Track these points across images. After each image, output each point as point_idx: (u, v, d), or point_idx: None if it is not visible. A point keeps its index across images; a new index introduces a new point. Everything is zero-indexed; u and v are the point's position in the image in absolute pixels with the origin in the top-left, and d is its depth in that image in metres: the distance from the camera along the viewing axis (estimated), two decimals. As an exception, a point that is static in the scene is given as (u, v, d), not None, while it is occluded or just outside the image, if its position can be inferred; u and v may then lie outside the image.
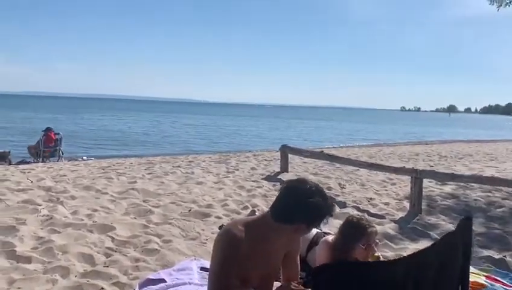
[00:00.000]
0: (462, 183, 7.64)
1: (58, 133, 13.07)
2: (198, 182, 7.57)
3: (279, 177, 8.46)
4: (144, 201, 6.00)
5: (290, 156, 9.24)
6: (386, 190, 7.62)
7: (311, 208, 2.09)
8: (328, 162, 9.63)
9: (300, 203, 2.09)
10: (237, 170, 9.34)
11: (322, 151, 9.37)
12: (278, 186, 7.02)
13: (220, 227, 4.20)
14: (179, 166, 9.61)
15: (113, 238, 4.40)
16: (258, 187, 7.40)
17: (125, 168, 9.17)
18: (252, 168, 9.60)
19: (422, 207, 6.11)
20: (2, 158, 11.88)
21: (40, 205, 5.47)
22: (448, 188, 7.74)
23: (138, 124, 38.63)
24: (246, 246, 2.13)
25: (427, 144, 24.85)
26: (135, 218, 5.19)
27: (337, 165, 9.72)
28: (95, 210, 5.36)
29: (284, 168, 8.95)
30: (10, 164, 11.30)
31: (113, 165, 9.60)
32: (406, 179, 7.33)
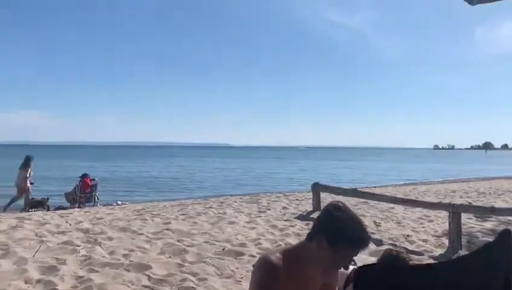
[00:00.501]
0: (503, 219, 7.36)
1: (94, 179, 13.47)
2: (230, 222, 7.60)
3: (311, 216, 8.38)
4: (178, 241, 6.06)
5: (322, 195, 9.18)
6: (423, 227, 7.41)
7: (332, 219, 2.06)
8: (362, 200, 9.50)
9: (324, 215, 2.09)
10: (269, 209, 9.32)
11: (355, 189, 9.25)
12: (311, 225, 6.97)
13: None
14: (210, 207, 9.68)
15: (149, 277, 4.45)
16: (291, 226, 7.35)
17: (159, 210, 9.32)
18: (284, 208, 9.56)
19: (462, 243, 5.90)
20: (41, 204, 12.28)
21: (78, 246, 5.62)
22: (489, 224, 7.45)
23: (170, 169, 39.35)
24: (283, 274, 2.12)
25: (463, 181, 24.08)
26: (170, 257, 5.24)
27: (371, 203, 9.56)
28: (132, 250, 5.45)
29: (317, 207, 8.87)
30: (49, 210, 11.66)
31: (147, 208, 9.77)
32: (444, 215, 7.14)
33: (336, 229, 2.04)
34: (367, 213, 8.76)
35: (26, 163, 12.23)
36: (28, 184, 12.02)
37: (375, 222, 7.73)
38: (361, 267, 1.42)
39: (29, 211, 11.29)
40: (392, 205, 9.08)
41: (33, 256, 5.12)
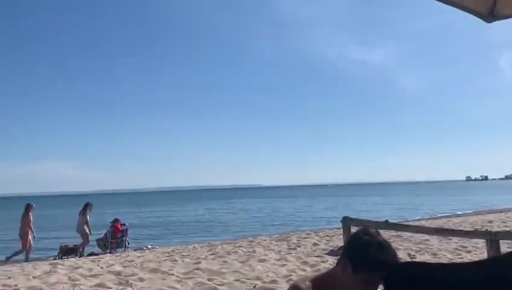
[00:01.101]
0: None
1: (125, 224, 13.61)
2: (260, 260, 7.52)
3: (343, 251, 8.19)
4: (209, 279, 6.02)
5: (353, 229, 8.99)
6: (460, 258, 7.13)
7: (357, 242, 2.01)
8: (395, 233, 9.26)
9: (351, 239, 2.06)
10: (299, 246, 9.19)
11: (387, 221, 9.02)
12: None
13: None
14: (240, 246, 9.62)
15: (181, 316, 4.41)
16: (322, 262, 7.21)
17: (189, 251, 9.32)
18: (314, 244, 9.40)
19: (504, 272, 5.63)
20: (74, 251, 12.45)
21: (110, 288, 5.66)
22: (531, 251, 7.11)
23: (198, 212, 39.37)
24: None
25: (500, 211, 23.12)
26: (201, 296, 5.19)
27: (405, 236, 9.30)
28: (163, 290, 5.44)
29: (348, 242, 8.68)
30: (81, 256, 11.79)
31: (177, 250, 9.79)
32: (482, 245, 6.86)
33: (360, 252, 1.97)
34: (400, 246, 8.51)
35: (84, 209, 12.63)
36: (86, 229, 12.29)
37: (409, 255, 7.49)
38: (398, 264, 1.39)
39: (62, 258, 11.46)
40: (426, 237, 8.82)
41: (66, 299, 5.18)
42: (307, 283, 2.21)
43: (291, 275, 6.24)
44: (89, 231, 12.45)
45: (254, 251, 8.60)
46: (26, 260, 11.50)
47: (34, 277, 6.87)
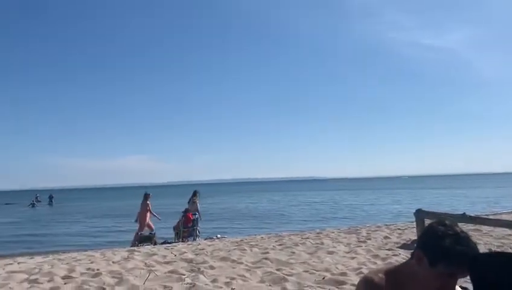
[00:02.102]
0: None
1: (195, 214, 14.07)
2: (329, 252, 7.42)
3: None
4: (277, 269, 6.05)
5: (427, 222, 8.57)
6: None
7: (433, 233, 1.87)
8: (473, 227, 8.71)
9: (426, 230, 1.92)
10: (369, 239, 8.94)
11: (464, 214, 8.52)
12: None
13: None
14: (307, 238, 9.56)
15: (251, 304, 4.47)
16: (394, 255, 6.96)
17: (257, 241, 9.43)
18: (385, 237, 9.11)
19: None
20: (149, 239, 13.11)
21: (183, 275, 5.87)
22: None
23: (263, 203, 39.77)
24: None
25: None
26: (270, 285, 5.23)
27: (484, 230, 8.72)
28: (233, 278, 5.56)
29: (421, 235, 8.30)
30: (155, 244, 12.39)
31: (245, 239, 9.94)
32: None
33: (436, 244, 1.82)
34: (480, 241, 7.98)
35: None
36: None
37: (490, 250, 6.99)
38: (488, 254, 1.29)
39: (138, 246, 12.11)
40: (509, 232, 8.19)
41: (143, 284, 5.46)
42: (380, 275, 2.12)
43: (361, 268, 6.09)
44: (199, 217, 13.63)
45: (322, 243, 8.51)
46: (134, 242, 12.68)
47: (113, 262, 7.34)
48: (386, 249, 7.56)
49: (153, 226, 13.39)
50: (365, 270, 5.90)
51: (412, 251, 1.80)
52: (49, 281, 5.85)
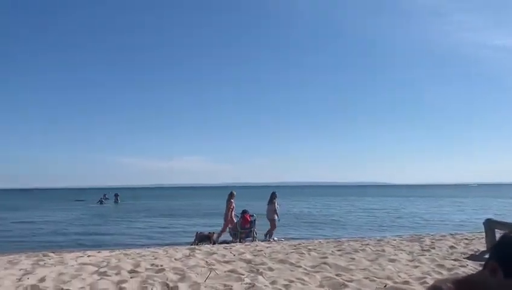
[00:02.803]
0: None
1: (253, 215, 14.21)
2: (390, 259, 7.20)
3: (486, 256, 7.40)
4: (337, 275, 5.96)
5: (497, 232, 8.07)
6: None
7: (506, 242, 1.77)
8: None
9: (500, 240, 1.81)
10: (433, 248, 8.57)
11: (540, 226, 7.92)
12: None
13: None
14: (367, 244, 9.34)
15: (310, 307, 4.45)
16: (461, 266, 6.62)
17: (315, 245, 9.36)
18: (451, 247, 8.68)
19: None
20: (208, 238, 13.42)
21: (243, 275, 5.96)
22: None
23: (320, 208, 39.29)
24: None
25: None
26: (330, 290, 5.17)
27: None
28: (291, 281, 5.56)
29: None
30: (214, 244, 12.66)
31: (303, 243, 9.90)
32: None
33: (511, 255, 1.77)
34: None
35: (272, 199, 14.36)
36: (275, 217, 13.94)
37: None
38: None
39: (197, 244, 12.44)
40: None
41: (204, 281, 5.61)
42: (449, 284, 2.04)
43: (425, 277, 5.85)
44: (278, 218, 14.11)
45: (383, 250, 8.28)
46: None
47: (176, 259, 7.62)
48: (452, 259, 7.21)
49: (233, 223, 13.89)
50: (430, 280, 5.66)
51: (482, 262, 1.72)
52: (116, 274, 6.19)
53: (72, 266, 7.09)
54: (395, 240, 10.31)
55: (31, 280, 5.79)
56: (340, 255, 7.80)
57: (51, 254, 9.63)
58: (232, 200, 14.07)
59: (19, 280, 5.91)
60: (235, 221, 13.92)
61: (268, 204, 14.39)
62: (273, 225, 13.89)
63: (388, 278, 5.78)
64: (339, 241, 10.52)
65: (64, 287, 5.23)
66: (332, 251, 8.21)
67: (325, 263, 6.79)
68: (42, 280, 5.83)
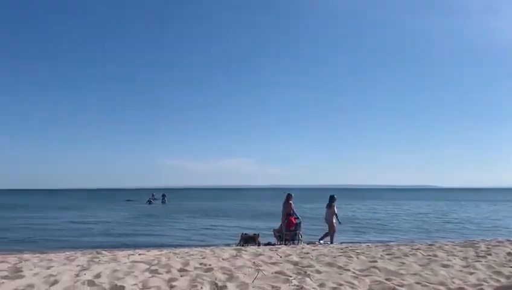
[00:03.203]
0: None
1: (298, 218, 14.14)
2: (443, 265, 6.94)
3: (548, 264, 6.97)
4: (387, 279, 5.82)
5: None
6: None
7: None
8: None
9: None
10: (489, 254, 8.18)
11: None
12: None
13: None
14: (418, 249, 9.06)
15: (360, 311, 4.37)
16: (521, 274, 6.25)
17: (363, 249, 9.19)
18: (509, 254, 8.25)
19: None
20: (253, 240, 13.49)
21: (290, 276, 5.95)
22: None
23: (366, 211, 38.48)
24: None
25: None
26: (380, 294, 5.05)
27: None
28: (340, 284, 5.48)
29: (554, 254, 7.36)
30: (259, 245, 12.71)
31: (350, 247, 9.75)
32: None
33: None
34: None
35: (331, 202, 14.26)
36: (334, 219, 13.88)
37: None
38: None
39: (243, 245, 12.54)
40: None
41: (252, 282, 5.65)
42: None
43: (481, 284, 5.59)
44: (338, 221, 13.95)
45: (435, 255, 7.99)
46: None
47: (223, 259, 7.72)
48: (511, 267, 6.83)
49: (293, 226, 13.83)
50: (486, 288, 5.42)
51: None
52: (167, 272, 6.36)
53: (125, 263, 7.36)
54: (447, 245, 9.93)
55: (87, 276, 6.07)
56: (389, 259, 7.60)
57: (104, 252, 10.05)
58: (290, 202, 14.02)
59: (77, 275, 6.20)
60: (296, 222, 13.90)
61: (327, 207, 14.33)
62: (332, 229, 13.77)
63: (441, 284, 5.58)
64: (388, 245, 10.26)
65: (118, 283, 5.43)
66: (381, 255, 8.02)
67: (374, 267, 6.64)
68: (98, 276, 6.09)
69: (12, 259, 8.45)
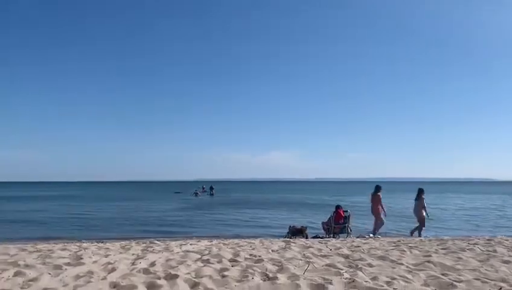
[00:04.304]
0: None
1: (347, 211, 13.94)
2: (504, 261, 6.58)
3: None
4: (443, 274, 5.60)
5: None
6: None
7: None
8: None
9: None
10: (555, 251, 7.66)
11: None
12: None
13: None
14: (475, 243, 8.66)
15: (416, 307, 4.24)
16: None
17: (415, 243, 8.91)
18: None
19: None
20: (300, 232, 13.46)
21: (341, 269, 5.87)
22: None
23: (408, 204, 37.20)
24: None
25: None
26: (436, 290, 4.88)
27: None
28: (394, 278, 5.34)
29: None
30: (307, 238, 12.67)
31: (403, 240, 9.49)
32: None
33: None
34: None
35: (419, 194, 14.14)
36: (424, 213, 13.73)
37: None
38: None
39: (291, 237, 12.54)
40: None
41: (303, 274, 5.62)
42: None
43: (547, 282, 5.25)
44: (426, 215, 13.72)
45: (495, 251, 7.60)
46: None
47: (272, 251, 7.75)
48: None
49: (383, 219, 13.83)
50: (553, 286, 5.08)
51: None
52: (218, 262, 6.47)
53: (177, 253, 7.56)
54: (507, 240, 9.42)
55: (142, 264, 6.29)
56: (444, 253, 7.31)
57: (157, 242, 10.40)
58: (379, 194, 13.92)
59: (132, 263, 6.45)
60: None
61: (416, 200, 14.02)
62: (422, 222, 13.49)
63: (503, 280, 5.29)
64: (442, 239, 9.90)
65: (172, 272, 5.59)
66: (435, 249, 7.73)
67: (429, 262, 6.41)
68: (152, 264, 6.30)
69: (73, 247, 8.94)
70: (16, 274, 5.63)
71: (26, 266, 6.23)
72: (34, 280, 5.27)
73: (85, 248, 8.62)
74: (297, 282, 5.15)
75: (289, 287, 5.02)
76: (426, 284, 5.15)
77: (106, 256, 7.23)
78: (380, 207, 13.74)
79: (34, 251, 8.10)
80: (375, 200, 13.85)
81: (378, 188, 14.08)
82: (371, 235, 13.11)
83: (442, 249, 7.89)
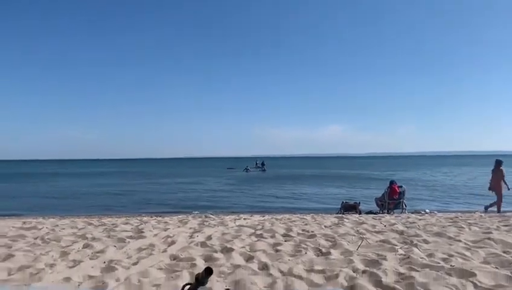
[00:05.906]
0: None
1: (401, 186, 13.62)
2: None
3: None
4: (504, 252, 5.40)
5: None
6: None
7: None
8: None
9: None
10: None
11: None
12: None
13: None
14: (541, 221, 8.21)
15: (475, 285, 4.14)
16: None
17: (475, 219, 8.61)
18: None
19: None
20: (353, 208, 13.37)
21: (396, 245, 5.81)
22: None
23: (461, 178, 35.61)
24: None
25: None
26: (497, 268, 4.72)
27: None
28: (451, 255, 5.22)
29: None
30: (360, 213, 12.57)
31: (460, 216, 9.19)
32: None
33: None
34: None
35: (497, 166, 13.12)
36: (503, 187, 12.83)
37: None
38: None
39: (343, 213, 12.51)
40: None
41: (357, 249, 5.64)
42: None
43: None
44: (507, 187, 12.69)
45: None
46: (498, 211, 12.43)
47: (325, 226, 7.80)
48: None
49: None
50: None
51: None
52: (271, 237, 6.62)
53: (232, 227, 7.81)
54: None
55: (199, 238, 6.57)
56: (507, 231, 7.00)
57: (212, 216, 10.76)
58: (501, 168, 12.83)
59: (190, 236, 6.75)
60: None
61: (493, 172, 12.92)
62: (499, 197, 12.46)
63: None
64: (504, 215, 9.47)
65: (228, 246, 5.80)
66: (497, 226, 7.42)
67: (489, 239, 6.18)
68: (209, 238, 6.56)
69: (134, 221, 9.47)
70: (85, 246, 6.09)
71: (93, 239, 6.71)
72: (101, 251, 5.68)
73: (145, 222, 9.10)
74: (351, 258, 5.19)
75: (342, 262, 5.06)
76: (486, 262, 5.01)
77: (165, 230, 7.61)
78: (503, 183, 12.59)
79: (100, 225, 8.67)
80: (497, 175, 12.76)
81: (499, 163, 12.94)
82: (488, 209, 12.41)
83: (504, 225, 7.57)
